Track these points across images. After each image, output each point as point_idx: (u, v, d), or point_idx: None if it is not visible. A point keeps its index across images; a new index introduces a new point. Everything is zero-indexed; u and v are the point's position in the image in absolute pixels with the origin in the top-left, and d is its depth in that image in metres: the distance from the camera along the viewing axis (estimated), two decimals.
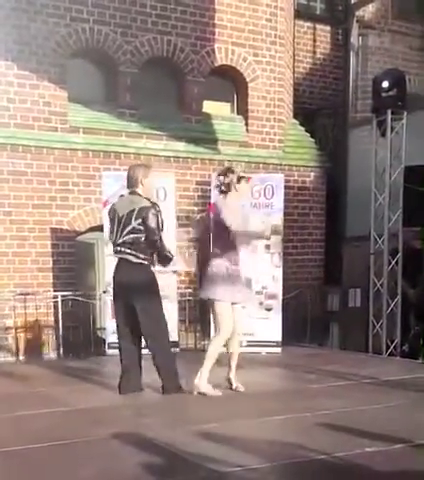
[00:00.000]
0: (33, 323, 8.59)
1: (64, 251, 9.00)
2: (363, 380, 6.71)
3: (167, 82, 10.01)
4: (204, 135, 10.03)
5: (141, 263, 5.85)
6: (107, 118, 9.41)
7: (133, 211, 5.79)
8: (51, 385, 6.44)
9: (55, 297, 8.70)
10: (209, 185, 9.12)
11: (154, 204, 5.91)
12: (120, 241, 5.86)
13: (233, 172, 6.05)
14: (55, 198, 8.91)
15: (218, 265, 5.95)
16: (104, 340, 8.52)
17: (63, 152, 8.82)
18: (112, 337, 8.15)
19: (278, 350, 8.54)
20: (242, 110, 10.55)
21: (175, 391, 5.91)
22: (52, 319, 8.83)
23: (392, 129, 8.80)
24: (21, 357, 8.47)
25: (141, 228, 5.77)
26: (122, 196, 6.17)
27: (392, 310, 8.75)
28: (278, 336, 8.58)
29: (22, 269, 8.76)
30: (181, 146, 9.79)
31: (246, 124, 10.46)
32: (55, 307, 8.75)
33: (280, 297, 8.71)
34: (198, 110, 10.10)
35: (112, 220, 5.99)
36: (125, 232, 5.83)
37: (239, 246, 6.04)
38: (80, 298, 8.57)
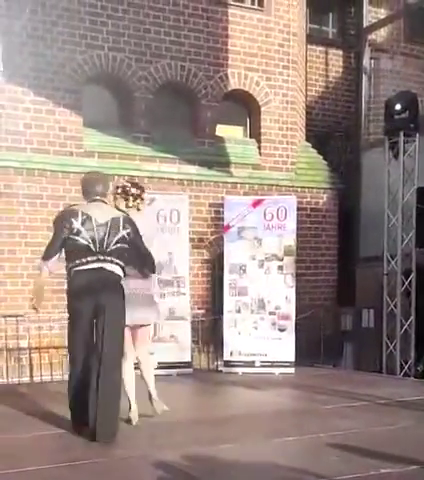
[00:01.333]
0: (47, 344, 8.65)
1: None
2: (377, 401, 6.68)
3: (181, 107, 10.15)
4: (217, 158, 10.15)
5: (120, 277, 5.24)
6: (121, 142, 9.55)
7: (118, 219, 5.21)
8: (65, 405, 6.44)
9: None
10: (222, 207, 9.22)
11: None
12: (108, 250, 5.12)
13: (143, 190, 5.75)
14: None
15: None
16: None
17: (78, 176, 8.78)
18: None
19: (291, 370, 8.52)
20: (255, 133, 10.68)
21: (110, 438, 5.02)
22: (66, 340, 8.86)
23: (404, 151, 8.87)
24: (35, 378, 8.50)
25: (128, 238, 5.21)
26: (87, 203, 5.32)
27: (406, 330, 8.76)
28: (291, 356, 8.55)
29: None
30: (194, 169, 9.91)
31: (259, 147, 10.58)
32: None
33: (293, 317, 8.70)
34: (211, 134, 10.24)
35: (85, 225, 5.09)
36: (115, 240, 5.15)
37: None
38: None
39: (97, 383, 4.95)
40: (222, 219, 9.11)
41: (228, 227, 8.84)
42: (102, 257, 5.12)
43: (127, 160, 9.46)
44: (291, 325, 8.69)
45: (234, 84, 10.36)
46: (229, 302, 8.70)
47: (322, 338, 9.61)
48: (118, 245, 5.15)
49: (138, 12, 9.62)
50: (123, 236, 5.17)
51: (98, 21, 9.36)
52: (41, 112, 8.99)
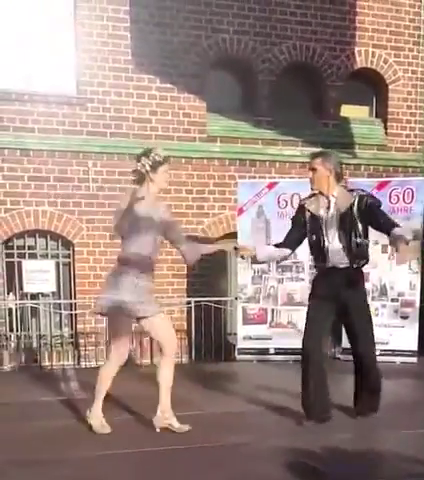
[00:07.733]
0: None
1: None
2: None
3: (304, 88, 10.06)
4: (341, 139, 9.97)
5: None
6: (244, 127, 9.61)
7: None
8: (185, 388, 6.62)
9: (189, 302, 8.90)
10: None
11: None
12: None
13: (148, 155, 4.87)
14: (192, 206, 9.20)
15: None
16: (234, 346, 8.63)
17: (200, 161, 9.08)
18: (243, 343, 8.37)
19: (414, 360, 8.32)
20: (381, 113, 10.41)
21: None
22: (185, 324, 9.04)
23: None
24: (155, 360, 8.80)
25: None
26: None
27: None
28: (414, 345, 8.35)
29: (159, 275, 9.07)
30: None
31: (385, 127, 10.30)
32: (188, 312, 8.95)
33: (417, 304, 8.48)
34: (336, 114, 10.09)
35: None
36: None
37: None
38: (212, 304, 8.68)
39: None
40: None
41: None
42: None
43: (249, 144, 9.52)
44: (415, 312, 8.46)
45: (361, 62, 10.13)
46: None
47: None
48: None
49: None
50: None
51: (223, 4, 9.40)
52: (166, 99, 9.21)
